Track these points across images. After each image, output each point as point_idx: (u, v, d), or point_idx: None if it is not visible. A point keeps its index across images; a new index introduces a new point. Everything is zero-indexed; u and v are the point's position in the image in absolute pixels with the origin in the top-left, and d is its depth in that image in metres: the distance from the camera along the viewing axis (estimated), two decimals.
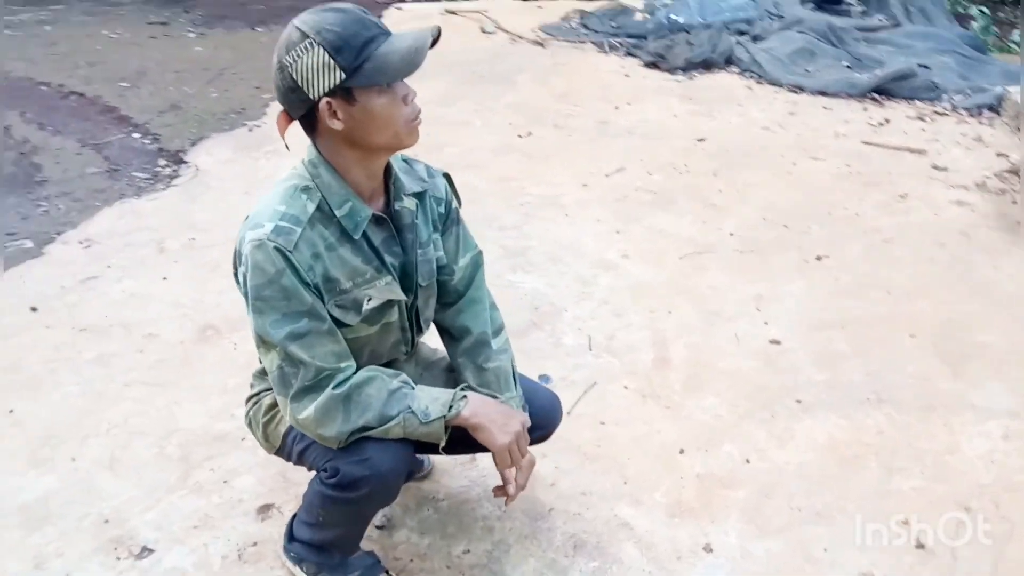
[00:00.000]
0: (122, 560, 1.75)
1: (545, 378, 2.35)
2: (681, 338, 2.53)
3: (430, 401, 1.39)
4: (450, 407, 1.39)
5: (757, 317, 2.63)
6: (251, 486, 1.95)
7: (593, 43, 5.49)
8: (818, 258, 2.95)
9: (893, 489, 1.97)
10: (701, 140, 3.99)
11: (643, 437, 2.14)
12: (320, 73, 1.24)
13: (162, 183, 3.77)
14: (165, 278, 2.84)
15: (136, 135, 4.37)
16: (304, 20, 1.26)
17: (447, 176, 1.58)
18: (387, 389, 1.37)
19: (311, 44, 1.24)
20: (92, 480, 1.96)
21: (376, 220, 1.40)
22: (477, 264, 1.65)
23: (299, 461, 1.56)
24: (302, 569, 1.66)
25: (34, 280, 2.84)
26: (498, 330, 1.66)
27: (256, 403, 1.61)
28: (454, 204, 1.58)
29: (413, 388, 1.41)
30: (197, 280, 2.82)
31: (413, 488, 1.96)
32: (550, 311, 2.65)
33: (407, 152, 1.43)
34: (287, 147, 1.37)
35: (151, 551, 1.77)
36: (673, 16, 5.59)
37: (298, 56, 1.25)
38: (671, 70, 4.95)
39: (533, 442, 1.63)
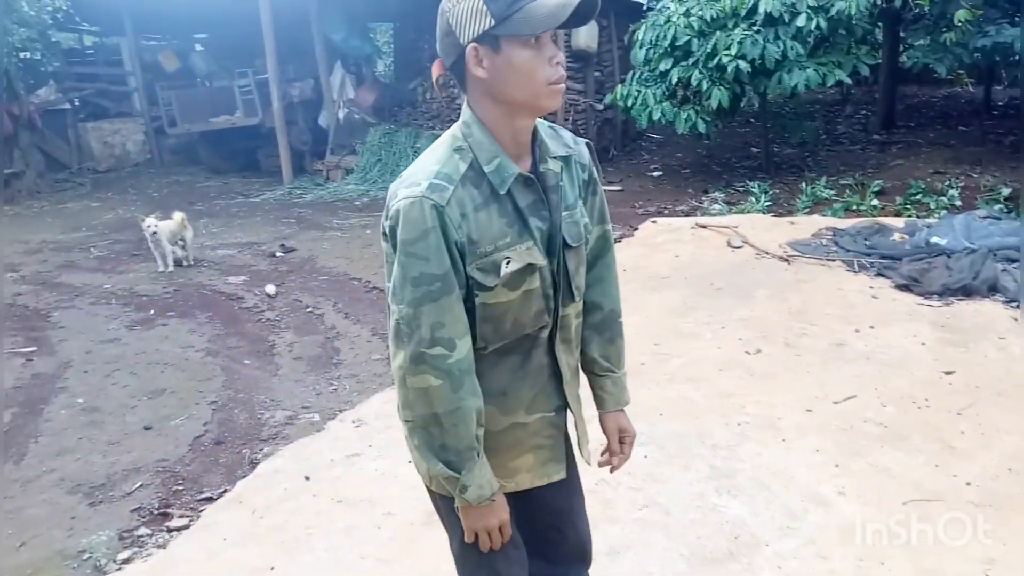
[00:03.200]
0: None
1: None
2: None
3: (478, 487, 1.44)
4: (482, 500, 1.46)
5: None
6: None
7: (843, 261, 5.48)
8: None
9: None
10: (948, 373, 3.77)
11: None
12: (472, 18, 1.33)
13: None
14: (409, 461, 3.30)
15: None
16: None
17: (589, 146, 1.64)
18: (467, 440, 1.42)
19: None
20: None
21: (524, 181, 1.45)
22: (607, 239, 1.70)
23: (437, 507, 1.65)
24: None
25: (313, 451, 3.46)
26: (621, 311, 1.76)
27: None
28: (595, 174, 1.64)
29: (480, 456, 1.45)
30: None
31: None
32: (750, 542, 2.64)
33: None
34: (436, 87, 1.52)
35: None
36: (934, 239, 5.42)
37: (457, 2, 1.35)
38: (925, 295, 4.76)
39: None
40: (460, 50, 1.37)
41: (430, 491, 1.62)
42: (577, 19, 1.36)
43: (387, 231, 1.43)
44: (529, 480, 1.62)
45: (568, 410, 1.65)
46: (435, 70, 1.46)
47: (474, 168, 1.41)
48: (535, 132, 1.49)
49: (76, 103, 12.96)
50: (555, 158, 1.51)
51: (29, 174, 11.06)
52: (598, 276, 1.69)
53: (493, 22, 1.33)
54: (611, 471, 1.79)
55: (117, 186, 11.55)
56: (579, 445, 1.71)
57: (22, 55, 11.09)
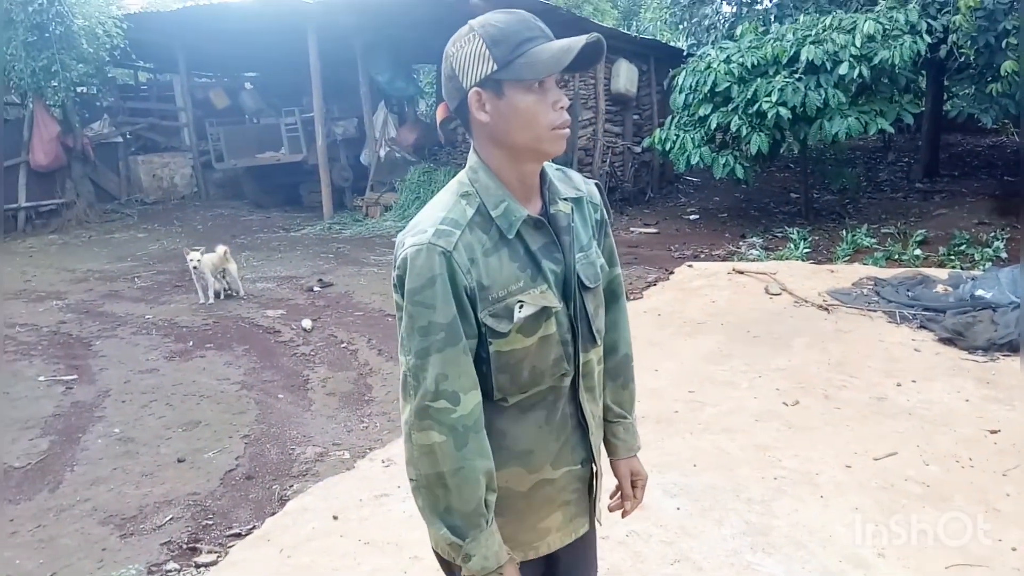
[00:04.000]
0: None
1: None
2: None
3: (482, 558, 1.36)
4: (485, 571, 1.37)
5: None
6: None
7: (884, 312, 5.38)
8: None
9: None
10: (994, 432, 3.65)
11: None
12: (475, 63, 1.32)
13: None
14: None
15: None
16: (476, 18, 1.36)
17: (599, 186, 1.61)
18: (473, 503, 1.35)
19: (473, 36, 1.33)
20: None
21: (535, 224, 1.41)
22: (619, 282, 1.67)
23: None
24: None
25: (343, 490, 3.45)
26: (633, 355, 1.73)
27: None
28: (607, 215, 1.60)
29: (488, 523, 1.38)
30: None
31: None
32: None
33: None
34: (440, 132, 1.51)
35: None
36: (979, 292, 5.30)
37: (461, 47, 1.34)
38: (969, 349, 4.64)
39: None
40: (463, 94, 1.36)
41: (437, 555, 1.55)
42: (581, 63, 1.34)
43: (396, 281, 1.40)
44: (559, 540, 1.55)
45: (592, 464, 1.58)
46: (440, 113, 1.46)
47: (481, 213, 1.37)
48: (543, 175, 1.46)
49: (128, 136, 13.40)
50: (565, 200, 1.48)
51: (80, 204, 11.41)
52: (612, 320, 1.64)
53: (496, 67, 1.31)
54: (623, 515, 1.73)
55: (163, 218, 11.85)
56: (594, 502, 1.62)
57: (79, 90, 11.54)
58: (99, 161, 12.26)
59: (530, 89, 1.33)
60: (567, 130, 1.38)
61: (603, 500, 1.69)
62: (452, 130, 9.32)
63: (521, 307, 1.37)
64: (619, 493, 1.73)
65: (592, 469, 1.58)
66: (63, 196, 11.28)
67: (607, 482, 1.69)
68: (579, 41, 1.31)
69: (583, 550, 1.66)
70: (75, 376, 5.12)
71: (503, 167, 1.39)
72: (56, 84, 10.32)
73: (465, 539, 1.36)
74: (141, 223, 11.50)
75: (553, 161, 1.50)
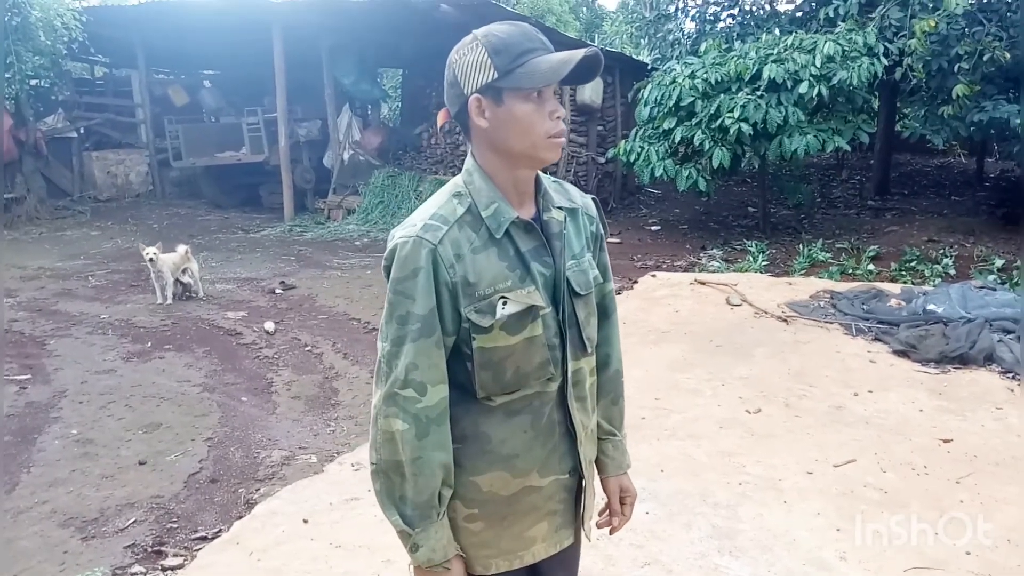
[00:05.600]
0: None
1: None
2: None
3: (429, 550, 1.39)
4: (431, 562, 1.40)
5: None
6: None
7: (841, 324, 5.53)
8: None
9: None
10: (946, 441, 3.79)
11: None
12: (476, 70, 1.37)
13: None
14: None
15: None
16: (480, 28, 1.41)
17: (596, 201, 1.64)
18: (427, 495, 1.38)
19: (476, 45, 1.38)
20: None
21: (525, 227, 1.44)
22: (612, 298, 1.68)
23: None
24: None
25: (311, 494, 3.42)
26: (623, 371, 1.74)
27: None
28: (602, 230, 1.63)
29: (439, 516, 1.41)
30: None
31: None
32: None
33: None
34: (440, 134, 1.54)
35: None
36: (931, 306, 5.49)
37: (464, 55, 1.39)
38: (922, 361, 4.80)
39: None
40: (464, 100, 1.40)
41: None
42: (581, 76, 1.39)
43: (384, 271, 1.44)
44: (544, 550, 1.55)
45: (580, 475, 1.58)
46: (440, 118, 1.53)
47: (472, 212, 1.41)
48: (538, 183, 1.49)
49: (82, 132, 13.06)
50: (559, 208, 1.51)
51: (30, 200, 11.09)
52: (604, 335, 1.65)
53: (496, 75, 1.36)
54: (611, 532, 1.73)
55: (117, 216, 11.57)
56: (583, 518, 1.62)
57: (32, 82, 11.22)
58: (52, 156, 11.94)
59: (528, 98, 1.37)
60: (563, 139, 1.43)
61: (592, 517, 1.67)
62: (417, 135, 9.33)
63: (504, 304, 1.40)
64: (607, 510, 1.73)
65: (580, 480, 1.59)
66: (13, 191, 10.95)
67: (596, 499, 1.69)
68: (577, 54, 1.36)
69: (567, 562, 1.66)
70: (29, 376, 4.98)
71: (498, 172, 1.43)
72: (10, 76, 10.03)
73: (415, 529, 1.39)
74: (94, 221, 11.21)
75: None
